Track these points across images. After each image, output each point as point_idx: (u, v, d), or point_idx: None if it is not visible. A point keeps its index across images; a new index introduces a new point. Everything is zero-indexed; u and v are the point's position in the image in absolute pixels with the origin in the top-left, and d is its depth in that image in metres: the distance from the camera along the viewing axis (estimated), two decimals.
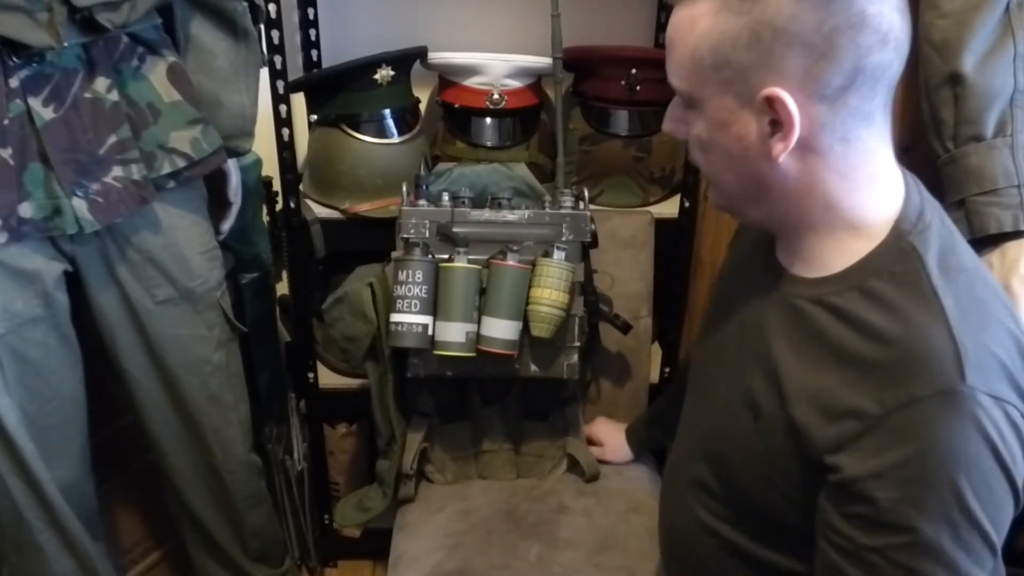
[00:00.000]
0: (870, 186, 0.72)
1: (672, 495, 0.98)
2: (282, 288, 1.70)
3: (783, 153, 0.68)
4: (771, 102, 0.67)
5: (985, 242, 0.96)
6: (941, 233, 0.72)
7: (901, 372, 0.66)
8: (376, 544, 1.50)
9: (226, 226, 1.31)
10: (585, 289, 1.27)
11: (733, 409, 0.82)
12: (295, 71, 1.50)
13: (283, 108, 1.34)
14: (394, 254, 1.25)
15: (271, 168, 1.45)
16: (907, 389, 0.65)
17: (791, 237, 0.78)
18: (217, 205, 1.27)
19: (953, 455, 0.64)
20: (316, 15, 1.55)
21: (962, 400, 0.64)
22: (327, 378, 1.60)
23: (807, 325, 0.74)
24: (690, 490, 0.91)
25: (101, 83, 1.02)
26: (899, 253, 0.70)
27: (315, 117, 1.47)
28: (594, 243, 1.27)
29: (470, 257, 1.20)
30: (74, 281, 1.12)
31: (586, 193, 1.30)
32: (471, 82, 1.43)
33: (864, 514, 0.68)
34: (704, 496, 0.88)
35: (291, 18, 1.53)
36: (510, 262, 1.19)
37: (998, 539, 0.68)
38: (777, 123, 0.68)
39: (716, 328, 0.91)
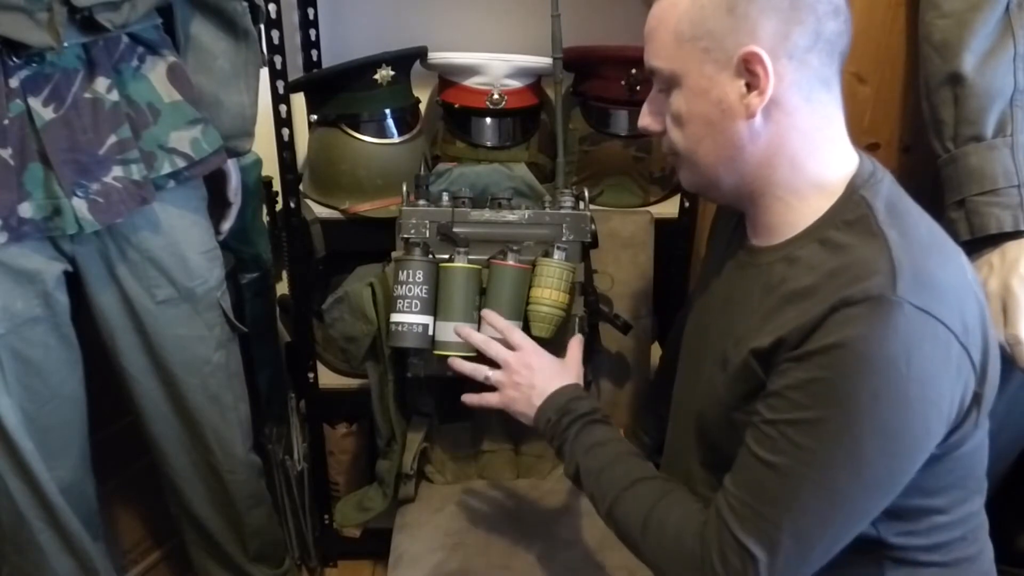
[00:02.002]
0: (830, 148, 0.80)
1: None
2: (282, 288, 1.70)
3: (759, 107, 0.75)
4: (747, 61, 0.74)
5: (985, 242, 0.97)
6: (890, 189, 0.79)
7: (840, 285, 0.71)
8: (376, 544, 1.50)
9: (226, 226, 1.30)
10: (585, 289, 1.27)
11: (711, 375, 0.86)
12: (295, 71, 1.50)
13: (283, 108, 1.34)
14: (394, 254, 1.25)
15: (271, 168, 1.45)
16: (842, 295, 0.70)
17: (760, 208, 0.83)
18: (217, 205, 1.27)
19: (868, 355, 0.68)
20: (316, 15, 1.55)
21: (889, 307, 0.68)
22: (327, 378, 1.60)
23: (774, 281, 0.80)
24: (686, 462, 0.92)
25: (101, 83, 1.02)
26: (851, 204, 0.77)
27: (315, 117, 1.47)
28: (594, 243, 1.27)
29: (470, 257, 1.20)
30: (74, 281, 1.12)
31: (586, 193, 1.30)
32: (471, 82, 1.43)
33: (774, 390, 0.74)
34: (699, 468, 0.90)
35: (291, 18, 1.53)
36: (510, 262, 1.19)
37: (908, 455, 0.71)
38: (751, 85, 0.76)
39: (701, 314, 0.96)
